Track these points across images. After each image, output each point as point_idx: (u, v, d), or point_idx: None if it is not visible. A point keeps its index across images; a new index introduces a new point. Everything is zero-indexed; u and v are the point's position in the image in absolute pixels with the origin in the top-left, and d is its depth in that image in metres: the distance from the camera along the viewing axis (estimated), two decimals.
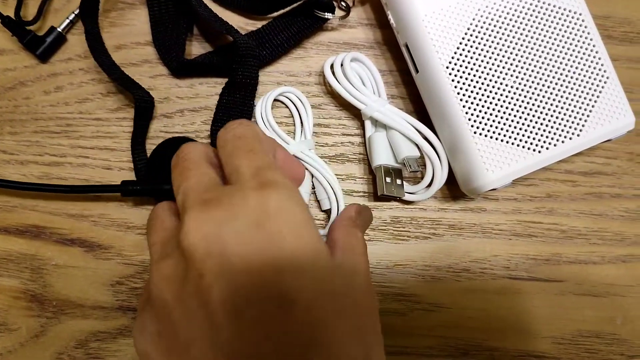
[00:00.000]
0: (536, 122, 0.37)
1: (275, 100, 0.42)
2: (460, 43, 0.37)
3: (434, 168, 0.39)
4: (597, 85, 0.38)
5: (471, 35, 0.37)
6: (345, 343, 0.24)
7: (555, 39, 0.38)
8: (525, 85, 0.37)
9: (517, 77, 0.37)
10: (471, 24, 0.37)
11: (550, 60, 0.38)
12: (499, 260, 0.42)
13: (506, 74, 0.37)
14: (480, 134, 0.37)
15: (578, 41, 0.38)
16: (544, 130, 0.37)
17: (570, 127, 0.38)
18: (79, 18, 0.42)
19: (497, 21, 0.37)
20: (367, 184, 0.42)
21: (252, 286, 0.23)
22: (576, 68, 0.38)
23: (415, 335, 0.41)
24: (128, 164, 0.41)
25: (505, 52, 0.37)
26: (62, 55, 0.43)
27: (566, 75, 0.38)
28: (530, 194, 0.43)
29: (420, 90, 0.40)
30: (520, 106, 0.37)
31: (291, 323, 0.23)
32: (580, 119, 0.38)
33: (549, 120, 0.38)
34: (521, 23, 0.38)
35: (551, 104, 0.38)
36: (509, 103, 0.37)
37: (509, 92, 0.37)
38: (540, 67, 0.38)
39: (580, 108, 0.38)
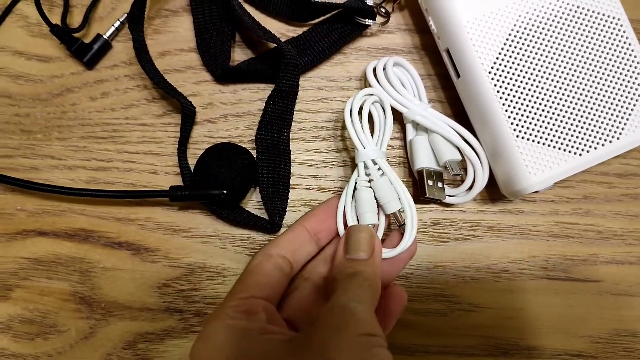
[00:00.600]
0: (577, 125, 0.38)
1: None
2: (502, 48, 0.38)
3: (475, 171, 0.40)
4: (637, 88, 0.39)
5: (512, 41, 0.38)
6: None
7: (594, 44, 0.39)
8: (565, 89, 0.38)
9: (557, 81, 0.38)
10: (512, 30, 0.38)
11: (590, 64, 0.38)
12: (536, 260, 0.43)
13: (547, 78, 0.38)
14: (523, 138, 0.38)
15: (617, 45, 0.39)
16: (585, 133, 0.38)
17: (610, 130, 0.38)
18: (124, 25, 0.43)
19: (538, 27, 0.38)
20: (408, 186, 0.43)
21: None
22: (615, 71, 0.39)
23: (455, 335, 0.42)
24: (173, 168, 0.42)
25: (546, 56, 0.38)
26: (108, 62, 0.44)
27: (605, 79, 0.39)
28: (567, 195, 0.44)
29: (461, 95, 0.41)
30: (561, 110, 0.38)
31: None
32: (620, 122, 0.38)
33: (590, 123, 0.38)
34: (561, 28, 0.38)
35: (591, 107, 0.38)
36: (551, 107, 0.38)
37: (550, 95, 0.38)
38: (580, 72, 0.38)
39: (620, 111, 0.38)
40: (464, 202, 0.42)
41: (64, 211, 0.42)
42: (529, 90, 0.38)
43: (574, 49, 0.38)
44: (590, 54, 0.39)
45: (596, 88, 0.38)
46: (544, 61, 0.38)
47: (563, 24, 0.38)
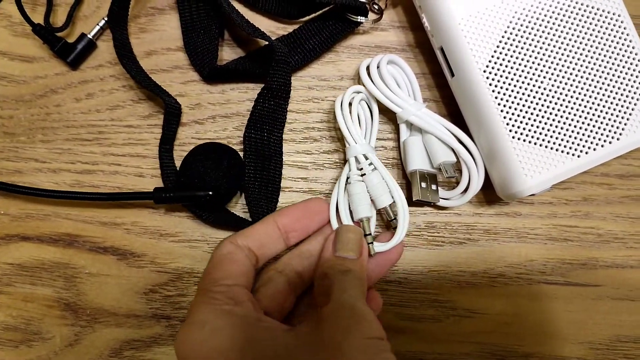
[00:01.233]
0: (575, 126, 0.37)
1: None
2: (498, 47, 0.37)
3: (470, 174, 0.39)
4: (637, 89, 0.37)
5: (508, 39, 0.37)
6: None
7: (593, 41, 0.37)
8: (564, 88, 0.37)
9: (555, 81, 0.37)
10: (508, 27, 0.37)
11: (589, 63, 0.37)
12: (534, 265, 0.42)
13: (544, 77, 0.37)
14: (519, 139, 0.37)
15: (617, 43, 0.37)
16: (584, 135, 0.37)
17: (610, 131, 0.37)
18: (109, 27, 0.42)
19: (535, 24, 0.37)
20: (401, 188, 0.42)
21: None
22: (615, 70, 0.37)
23: (451, 341, 0.41)
24: (160, 171, 0.41)
25: (543, 55, 0.37)
26: (93, 62, 0.43)
27: (605, 78, 0.37)
28: (566, 197, 0.42)
29: (456, 94, 0.40)
30: (559, 110, 0.37)
31: None
32: (620, 122, 0.37)
33: (589, 124, 0.37)
34: (559, 26, 0.37)
35: (590, 108, 0.37)
36: (548, 107, 0.37)
37: (548, 95, 0.37)
38: (578, 70, 0.37)
39: (620, 111, 0.37)
40: (459, 205, 0.41)
41: (48, 215, 0.41)
42: (526, 90, 0.37)
43: (573, 46, 0.37)
44: (589, 52, 0.37)
45: (595, 87, 0.37)
46: (541, 60, 0.37)
47: (561, 20, 0.37)
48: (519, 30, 0.37)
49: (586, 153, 0.37)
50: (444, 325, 0.41)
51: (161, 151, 0.40)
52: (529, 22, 0.37)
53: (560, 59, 0.37)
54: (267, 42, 0.39)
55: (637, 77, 0.37)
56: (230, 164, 0.39)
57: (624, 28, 0.38)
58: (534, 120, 0.37)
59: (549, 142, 0.37)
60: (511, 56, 0.37)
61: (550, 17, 0.37)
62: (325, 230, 0.38)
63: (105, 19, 0.42)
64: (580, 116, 0.37)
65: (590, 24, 0.37)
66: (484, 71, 0.37)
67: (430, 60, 0.43)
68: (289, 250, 0.37)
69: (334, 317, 0.30)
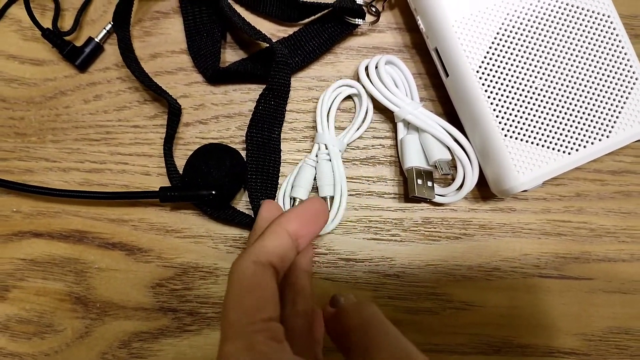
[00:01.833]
0: (566, 124, 0.38)
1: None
2: (490, 47, 0.38)
3: (465, 171, 0.40)
4: (627, 86, 0.38)
5: (500, 40, 0.38)
6: None
7: (583, 41, 0.38)
8: (554, 87, 0.38)
9: (546, 80, 0.38)
10: (500, 29, 0.38)
11: (580, 62, 0.38)
12: (528, 259, 0.43)
13: (536, 76, 0.38)
14: (511, 137, 0.38)
15: (607, 43, 0.39)
16: (574, 132, 0.38)
17: (600, 129, 0.38)
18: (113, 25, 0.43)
19: (526, 25, 0.38)
20: (398, 185, 0.43)
21: None
22: (605, 69, 0.38)
23: (447, 333, 0.42)
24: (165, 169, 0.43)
25: (535, 55, 0.38)
26: (100, 64, 0.44)
27: (595, 77, 0.38)
28: (559, 193, 0.44)
29: (450, 94, 0.41)
30: (550, 108, 0.38)
31: None
32: (610, 120, 0.38)
33: (579, 122, 0.38)
34: (550, 27, 0.38)
35: (581, 106, 0.38)
36: (539, 105, 0.38)
37: (539, 94, 0.38)
38: (569, 70, 0.38)
39: (609, 109, 0.38)
40: (454, 201, 0.42)
41: (58, 212, 0.43)
42: (517, 89, 0.38)
43: (563, 47, 0.38)
44: (579, 51, 0.38)
45: (586, 86, 0.38)
46: (532, 60, 0.38)
47: (552, 22, 0.38)
48: (510, 32, 0.38)
49: (577, 150, 0.38)
50: (440, 318, 0.42)
51: (165, 150, 0.42)
52: (520, 24, 0.38)
53: (551, 60, 0.38)
54: (268, 45, 0.41)
55: (626, 76, 0.38)
56: (232, 164, 0.40)
57: (613, 28, 0.39)
58: (526, 118, 0.38)
59: (540, 139, 0.38)
60: (503, 57, 0.38)
61: (541, 19, 0.38)
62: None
63: (112, 22, 0.43)
64: (570, 114, 0.38)
65: (580, 25, 0.38)
66: (477, 71, 0.38)
67: (426, 60, 0.44)
68: None
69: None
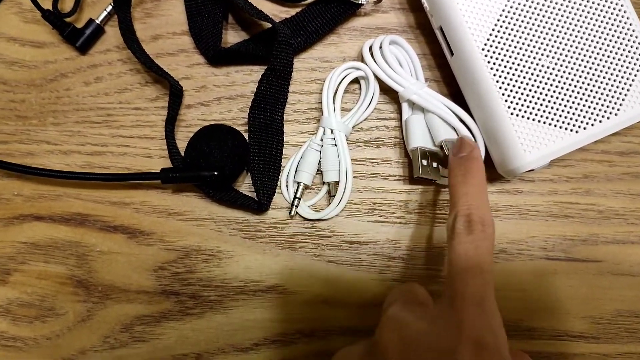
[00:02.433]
0: (573, 102, 0.37)
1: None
2: (496, 25, 0.37)
3: None
4: (635, 63, 0.38)
5: (506, 16, 0.37)
6: None
7: (590, 18, 0.38)
8: (561, 65, 0.37)
9: (553, 57, 0.37)
10: (506, 5, 0.37)
11: (587, 39, 0.38)
12: (536, 241, 0.42)
13: (542, 54, 0.37)
14: (517, 115, 0.37)
15: (614, 19, 0.38)
16: (581, 110, 0.37)
17: (607, 107, 0.38)
18: (114, 6, 0.43)
19: (532, 2, 0.37)
20: (403, 167, 0.43)
21: None
22: (612, 46, 0.38)
23: None
24: (167, 151, 0.42)
25: (541, 32, 0.37)
26: (101, 46, 0.44)
27: (603, 54, 0.38)
28: (566, 174, 0.43)
29: (456, 73, 0.40)
30: (557, 86, 0.37)
31: None
32: (617, 99, 0.38)
33: (586, 100, 0.37)
34: (556, 3, 0.37)
35: (588, 83, 0.37)
36: (546, 83, 0.37)
37: (546, 72, 0.37)
38: (576, 47, 0.37)
39: (617, 87, 0.38)
40: None
41: (59, 195, 0.42)
42: (524, 66, 0.37)
43: (570, 23, 0.37)
44: (586, 28, 0.38)
45: (593, 63, 0.38)
46: (538, 36, 0.37)
47: None
48: (516, 8, 0.37)
49: (584, 129, 0.37)
50: None
51: (167, 131, 0.41)
52: (526, 0, 0.37)
53: (557, 36, 0.37)
54: (270, 25, 0.40)
55: (634, 53, 0.38)
56: (234, 145, 0.40)
57: (621, 5, 0.38)
58: (532, 96, 0.37)
59: (547, 118, 0.37)
60: (509, 34, 0.37)
61: None
62: None
63: (112, 4, 0.43)
64: (577, 92, 0.37)
65: (587, 1, 0.38)
66: (482, 49, 0.37)
67: (430, 41, 0.43)
68: None
69: None
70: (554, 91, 0.37)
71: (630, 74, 0.38)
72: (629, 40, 0.38)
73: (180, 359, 0.41)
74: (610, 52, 0.38)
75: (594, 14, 0.38)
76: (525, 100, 0.37)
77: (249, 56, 0.42)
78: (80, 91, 0.43)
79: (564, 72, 0.37)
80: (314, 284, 0.42)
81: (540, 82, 0.37)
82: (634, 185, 0.43)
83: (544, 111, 0.37)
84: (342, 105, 0.42)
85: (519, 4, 0.37)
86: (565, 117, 0.37)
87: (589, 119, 0.37)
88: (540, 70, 0.37)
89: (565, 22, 0.37)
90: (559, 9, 0.37)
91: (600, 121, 0.37)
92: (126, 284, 0.42)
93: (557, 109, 0.37)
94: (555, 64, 0.37)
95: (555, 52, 0.37)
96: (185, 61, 0.43)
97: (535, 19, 0.37)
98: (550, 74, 0.37)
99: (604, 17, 0.38)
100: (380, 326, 0.30)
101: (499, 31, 0.37)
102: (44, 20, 0.42)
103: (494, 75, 0.37)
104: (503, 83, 0.37)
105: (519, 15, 0.37)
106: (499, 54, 0.37)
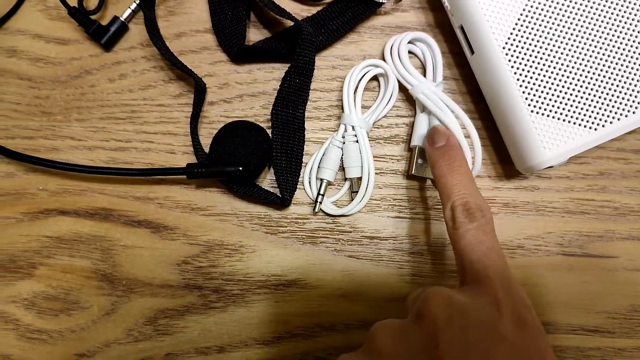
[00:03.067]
0: (592, 100, 0.38)
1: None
2: (517, 23, 0.38)
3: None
4: None
5: (527, 15, 0.38)
6: None
7: (610, 15, 0.38)
8: (581, 63, 0.38)
9: (573, 56, 0.38)
10: (527, 4, 0.38)
11: (606, 36, 0.38)
12: (552, 237, 0.43)
13: (562, 52, 0.38)
14: (537, 113, 0.38)
15: (633, 18, 0.38)
16: (600, 108, 0.38)
17: (625, 105, 0.38)
18: (140, 8, 0.44)
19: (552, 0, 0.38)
20: (405, 163, 0.43)
21: None
22: (632, 44, 0.38)
23: None
24: (191, 148, 0.43)
25: (561, 30, 0.38)
26: (125, 44, 0.44)
27: (622, 52, 0.38)
28: (582, 172, 0.44)
29: (475, 72, 0.41)
30: (576, 84, 0.38)
31: None
32: (636, 97, 0.38)
33: (605, 98, 0.38)
34: (576, 1, 0.38)
35: (607, 82, 0.38)
36: (566, 81, 0.38)
37: (566, 70, 0.38)
38: (595, 45, 0.38)
39: (636, 85, 0.38)
40: None
41: (84, 190, 0.43)
42: (544, 64, 0.38)
43: (590, 21, 0.38)
44: (605, 26, 0.38)
45: (612, 61, 0.38)
46: (559, 35, 0.38)
47: None
48: (537, 6, 0.38)
49: (602, 126, 0.38)
50: None
51: (192, 128, 0.42)
52: None
53: (577, 35, 0.38)
54: (292, 23, 0.41)
55: None
56: (258, 141, 0.41)
57: None
58: (552, 94, 0.38)
59: (566, 115, 0.38)
60: (529, 33, 0.38)
61: None
62: None
63: (137, 2, 0.43)
64: (597, 90, 0.38)
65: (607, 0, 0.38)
66: (503, 47, 0.38)
67: (450, 39, 0.44)
68: None
69: None
70: (574, 89, 0.38)
71: None
72: None
73: (203, 351, 0.42)
74: (629, 50, 0.38)
75: (612, 12, 0.38)
76: (545, 98, 0.38)
77: (271, 54, 0.43)
78: (105, 88, 0.44)
79: (583, 70, 0.38)
80: (335, 278, 0.42)
81: (560, 79, 0.38)
82: None
83: (563, 109, 0.38)
84: (362, 102, 0.43)
85: (539, 2, 0.38)
86: (585, 115, 0.38)
87: (608, 116, 0.38)
88: (560, 68, 0.38)
89: (584, 20, 0.38)
90: (579, 8, 0.38)
91: (618, 119, 0.38)
92: (150, 277, 0.42)
93: (577, 107, 0.38)
94: (575, 62, 0.38)
95: (575, 50, 0.38)
96: (208, 59, 0.44)
97: (555, 18, 0.38)
98: (570, 71, 0.38)
99: (623, 15, 0.38)
100: (424, 300, 0.30)
101: (519, 30, 0.38)
102: (69, 18, 0.43)
103: (515, 73, 0.38)
104: (523, 81, 0.38)
105: (540, 14, 0.38)
106: (520, 52, 0.38)
